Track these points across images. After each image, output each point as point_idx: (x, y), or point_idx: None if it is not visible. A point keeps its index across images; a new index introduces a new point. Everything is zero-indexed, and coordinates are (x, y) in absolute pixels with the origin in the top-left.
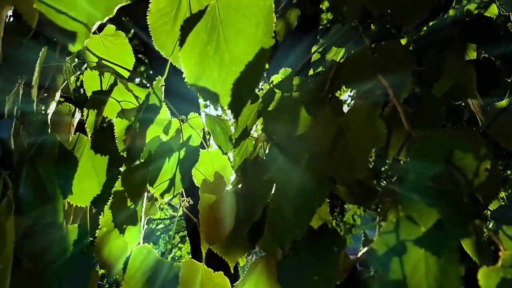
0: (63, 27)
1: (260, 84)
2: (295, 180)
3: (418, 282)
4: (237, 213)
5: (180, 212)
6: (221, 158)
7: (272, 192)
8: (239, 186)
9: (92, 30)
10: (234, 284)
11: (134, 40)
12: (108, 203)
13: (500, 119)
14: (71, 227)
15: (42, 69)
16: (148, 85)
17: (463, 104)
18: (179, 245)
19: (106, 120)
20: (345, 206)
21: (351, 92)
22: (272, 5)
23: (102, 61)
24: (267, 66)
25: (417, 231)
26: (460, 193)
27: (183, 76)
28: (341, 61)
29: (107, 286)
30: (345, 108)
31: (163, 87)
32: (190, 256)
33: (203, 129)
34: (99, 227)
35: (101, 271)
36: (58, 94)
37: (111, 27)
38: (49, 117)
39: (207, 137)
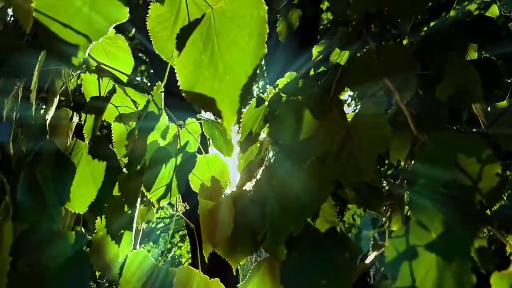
0: (64, 40)
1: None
2: (298, 179)
3: None
4: (241, 215)
5: (180, 210)
6: (218, 163)
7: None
8: (244, 188)
9: (88, 50)
10: (237, 286)
11: (134, 39)
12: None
13: (501, 119)
14: (69, 232)
15: (41, 72)
16: (148, 84)
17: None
18: (179, 244)
19: (105, 124)
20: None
21: (351, 92)
22: (266, 15)
23: (101, 65)
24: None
25: (428, 237)
26: (470, 198)
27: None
28: (345, 63)
29: (106, 285)
30: (345, 108)
31: (163, 93)
32: (190, 255)
33: (202, 133)
34: (95, 231)
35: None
36: (56, 100)
37: (111, 31)
38: (47, 122)
39: (208, 142)
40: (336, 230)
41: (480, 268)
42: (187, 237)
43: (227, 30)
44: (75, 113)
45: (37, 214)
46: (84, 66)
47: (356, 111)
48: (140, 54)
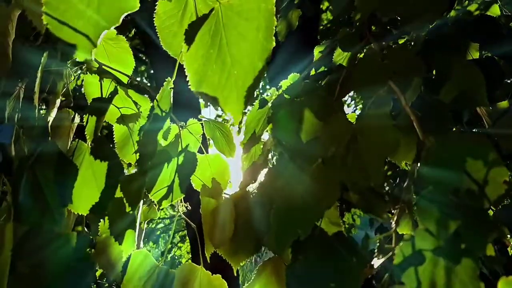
0: (69, 37)
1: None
2: (304, 182)
3: None
4: (244, 216)
5: (181, 210)
6: (219, 162)
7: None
8: (247, 189)
9: (99, 40)
10: (243, 287)
11: (135, 40)
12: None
13: (502, 120)
14: (71, 233)
15: (43, 74)
16: (148, 84)
17: None
18: (179, 244)
19: (105, 124)
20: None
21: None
22: (273, 8)
23: (103, 67)
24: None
25: (436, 243)
26: (480, 204)
27: (187, 79)
28: (348, 65)
29: (107, 285)
30: (345, 109)
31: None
32: (190, 256)
33: (203, 134)
34: (98, 233)
35: (100, 271)
36: (58, 101)
37: (112, 31)
38: (49, 124)
39: (208, 143)
40: (343, 234)
41: (486, 268)
42: (187, 238)
43: (235, 24)
44: (76, 113)
45: (38, 215)
46: (84, 67)
47: (357, 111)
48: (140, 55)
